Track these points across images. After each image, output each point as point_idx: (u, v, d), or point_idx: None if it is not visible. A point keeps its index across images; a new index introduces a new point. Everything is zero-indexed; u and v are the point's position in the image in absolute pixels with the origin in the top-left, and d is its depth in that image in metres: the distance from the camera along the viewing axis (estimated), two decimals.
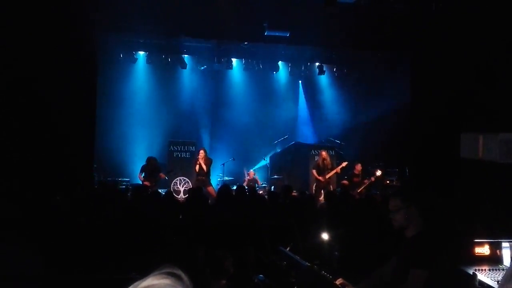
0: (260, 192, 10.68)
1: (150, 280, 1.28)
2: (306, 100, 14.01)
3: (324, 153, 11.29)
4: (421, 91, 10.54)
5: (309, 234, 4.69)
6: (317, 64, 13.45)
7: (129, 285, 1.29)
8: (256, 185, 11.86)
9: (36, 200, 5.70)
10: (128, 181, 11.57)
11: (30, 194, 5.92)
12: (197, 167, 10.58)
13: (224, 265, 3.58)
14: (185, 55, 12.89)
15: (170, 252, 4.23)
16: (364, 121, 12.94)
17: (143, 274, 1.32)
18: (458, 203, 6.60)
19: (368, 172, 11.48)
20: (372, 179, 10.77)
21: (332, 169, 11.05)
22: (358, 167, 11.09)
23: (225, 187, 7.55)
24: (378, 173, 10.80)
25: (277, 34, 10.57)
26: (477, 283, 3.86)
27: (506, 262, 4.18)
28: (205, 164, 10.56)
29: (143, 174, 10.60)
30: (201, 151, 10.75)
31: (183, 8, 9.80)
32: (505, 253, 4.25)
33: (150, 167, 10.60)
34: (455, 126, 8.34)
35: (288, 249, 3.59)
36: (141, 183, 10.40)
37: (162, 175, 10.81)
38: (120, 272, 3.42)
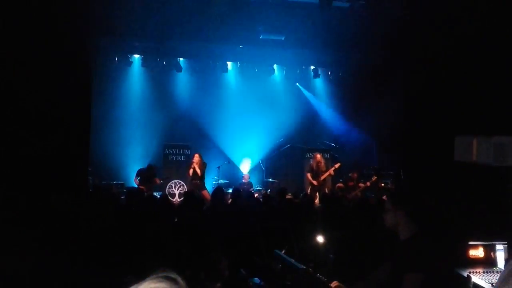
0: (256, 195, 10.68)
1: (146, 284, 1.29)
2: (302, 103, 14.02)
3: (318, 156, 11.33)
4: (416, 94, 10.59)
5: (304, 237, 4.69)
6: (312, 67, 13.49)
7: None
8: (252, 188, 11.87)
9: (31, 203, 5.67)
10: (122, 184, 11.55)
11: (25, 197, 5.89)
12: (191, 171, 10.61)
13: (219, 268, 3.58)
14: (181, 59, 12.90)
15: (166, 255, 4.23)
16: (359, 124, 12.99)
17: (139, 277, 1.32)
18: (452, 205, 6.63)
19: (363, 176, 11.52)
20: (368, 183, 10.82)
21: (326, 172, 11.09)
22: (354, 175, 11.14)
23: (219, 190, 7.54)
24: (373, 178, 10.87)
25: (272, 37, 10.61)
26: (471, 286, 3.88)
27: (500, 264, 4.21)
28: (199, 168, 10.59)
29: (138, 178, 10.61)
30: (196, 156, 10.77)
31: (178, 11, 9.81)
32: (499, 255, 4.27)
33: (148, 173, 10.61)
34: (449, 129, 8.38)
35: (283, 252, 3.59)
36: (136, 186, 10.44)
37: (157, 180, 10.83)
38: (116, 275, 3.41)
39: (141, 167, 10.95)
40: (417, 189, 9.77)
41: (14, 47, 8.31)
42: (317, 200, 9.96)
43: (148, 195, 7.66)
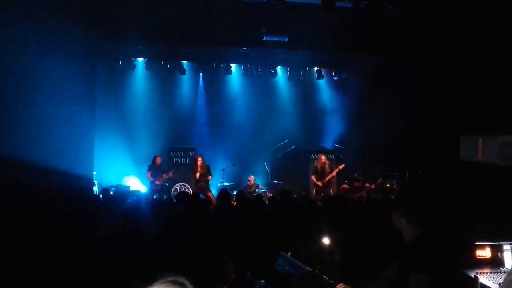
0: None
1: None
2: (306, 104, 14.01)
3: (323, 157, 11.29)
4: (420, 94, 10.56)
5: (310, 239, 4.68)
6: (315, 68, 13.48)
7: None
8: (257, 190, 11.85)
9: (37, 207, 5.69)
10: (128, 187, 11.57)
11: (31, 202, 5.91)
12: (198, 174, 10.60)
13: (226, 271, 3.58)
14: (184, 61, 12.92)
15: (173, 259, 4.23)
16: (364, 125, 12.95)
17: (146, 281, 1.33)
18: (458, 206, 6.60)
19: (369, 176, 11.49)
20: (373, 186, 10.79)
21: (330, 173, 11.07)
22: (360, 175, 11.10)
23: (224, 192, 7.53)
24: (379, 180, 10.85)
25: (275, 39, 10.60)
26: (478, 286, 3.86)
27: (508, 264, 4.19)
28: (205, 170, 10.62)
29: (150, 173, 10.82)
30: (200, 158, 10.75)
31: (182, 14, 9.83)
32: (507, 255, 4.25)
33: (156, 166, 10.85)
34: (454, 129, 8.36)
35: (289, 254, 3.58)
36: (150, 182, 10.79)
37: (164, 175, 10.86)
38: (124, 279, 3.42)
39: (151, 163, 11.08)
40: (421, 190, 9.73)
41: (19, 50, 8.35)
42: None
43: (156, 198, 7.66)
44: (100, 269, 3.97)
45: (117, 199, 7.38)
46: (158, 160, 11.06)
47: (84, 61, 9.34)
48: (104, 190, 8.79)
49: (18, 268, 3.68)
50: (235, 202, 8.05)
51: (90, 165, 9.81)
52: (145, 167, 11.07)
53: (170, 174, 11.11)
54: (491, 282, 3.83)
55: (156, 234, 5.00)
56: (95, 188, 10.50)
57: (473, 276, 3.95)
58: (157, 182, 10.74)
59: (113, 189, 10.58)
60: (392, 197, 7.34)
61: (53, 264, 3.93)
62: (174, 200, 9.96)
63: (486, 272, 4.00)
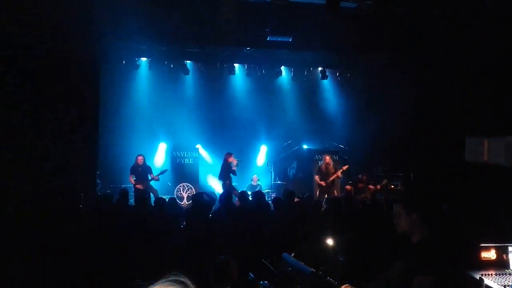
0: None
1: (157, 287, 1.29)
2: (309, 105, 13.99)
3: (327, 158, 11.27)
4: (426, 94, 10.52)
5: (313, 240, 4.67)
6: (319, 68, 13.44)
7: None
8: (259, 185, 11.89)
9: (40, 207, 5.70)
10: (131, 187, 11.55)
11: (34, 201, 5.92)
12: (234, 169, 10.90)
13: (229, 271, 3.57)
14: (188, 61, 12.91)
15: (176, 259, 4.22)
16: (368, 125, 12.92)
17: (149, 281, 1.32)
18: (463, 207, 6.57)
19: (373, 178, 11.46)
20: (378, 186, 10.76)
21: (334, 173, 11.05)
22: (364, 177, 11.07)
23: (227, 193, 7.53)
24: (384, 181, 10.83)
25: (279, 39, 10.58)
26: None
27: None
28: None
29: (134, 177, 10.47)
30: None
31: (186, 14, 9.83)
32: None
33: (139, 168, 10.45)
34: (460, 129, 8.31)
35: (292, 255, 3.56)
36: (132, 186, 10.39)
37: (153, 177, 10.65)
38: (126, 279, 3.41)
39: (132, 164, 10.69)
40: (427, 190, 9.68)
41: (22, 51, 8.37)
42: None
43: (156, 199, 7.63)
44: (103, 270, 3.96)
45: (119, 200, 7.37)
46: (140, 160, 10.46)
47: (87, 61, 9.33)
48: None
49: (19, 268, 3.67)
50: (238, 202, 8.04)
51: (94, 164, 9.80)
52: (148, 167, 11.01)
53: (156, 177, 10.65)
54: (496, 284, 3.81)
55: (159, 234, 4.99)
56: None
57: (478, 278, 3.92)
58: (138, 186, 10.18)
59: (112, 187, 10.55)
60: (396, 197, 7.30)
61: (55, 264, 3.92)
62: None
63: (491, 274, 3.98)
